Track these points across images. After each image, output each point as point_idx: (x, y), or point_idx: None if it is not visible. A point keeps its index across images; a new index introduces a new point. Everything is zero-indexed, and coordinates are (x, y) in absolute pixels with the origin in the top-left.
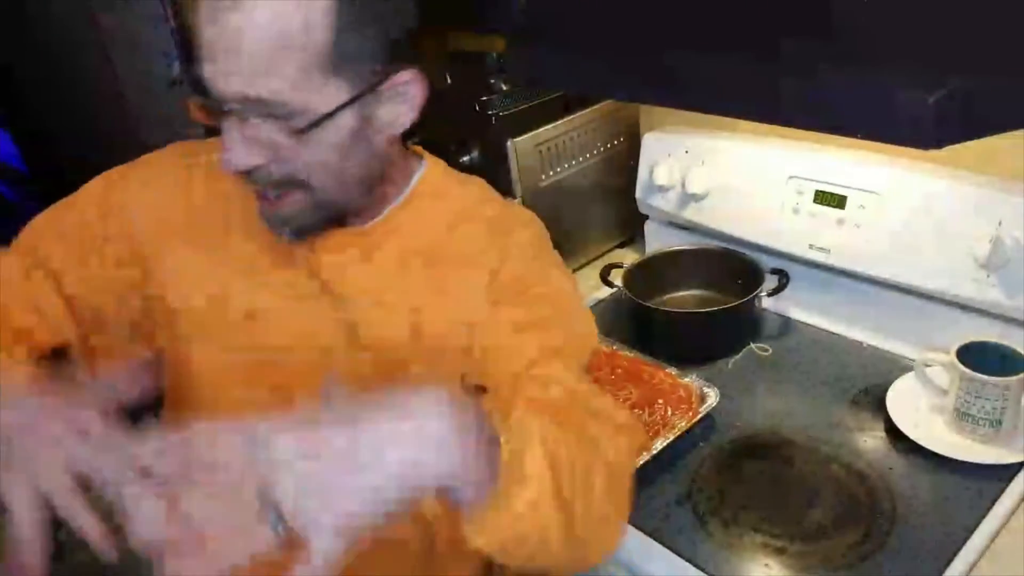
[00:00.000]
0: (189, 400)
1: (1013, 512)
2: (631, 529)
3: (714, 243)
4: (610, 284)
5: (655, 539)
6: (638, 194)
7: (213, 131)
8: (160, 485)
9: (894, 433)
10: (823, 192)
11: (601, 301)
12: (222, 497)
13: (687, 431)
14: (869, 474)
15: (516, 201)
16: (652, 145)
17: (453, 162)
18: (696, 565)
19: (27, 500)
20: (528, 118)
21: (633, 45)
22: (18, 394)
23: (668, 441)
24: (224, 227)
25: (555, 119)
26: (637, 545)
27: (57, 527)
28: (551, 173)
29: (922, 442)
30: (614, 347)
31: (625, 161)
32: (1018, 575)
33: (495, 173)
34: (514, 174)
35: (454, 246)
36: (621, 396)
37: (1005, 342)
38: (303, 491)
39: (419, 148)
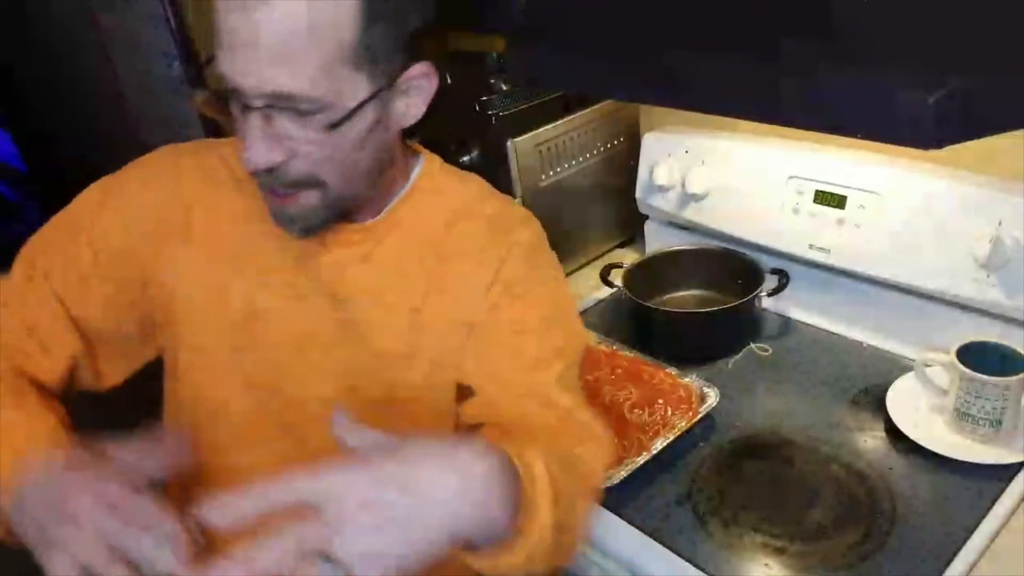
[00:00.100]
0: (189, 401)
1: (1013, 512)
2: (631, 529)
3: (714, 243)
4: (610, 284)
5: (655, 539)
6: (638, 194)
7: (213, 131)
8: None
9: (894, 433)
10: (823, 192)
11: (601, 301)
12: (268, 547)
13: (687, 431)
14: (869, 474)
15: (517, 201)
16: (652, 145)
17: (453, 162)
18: (696, 565)
19: (69, 573)
20: (528, 118)
21: (633, 45)
22: (46, 472)
23: (668, 441)
24: (222, 228)
25: (555, 119)
26: (637, 545)
27: None
28: (551, 173)
29: (922, 442)
30: (614, 347)
31: (625, 161)
32: (1018, 575)
33: (495, 173)
34: (514, 174)
35: (454, 244)
36: (621, 396)
37: (1005, 342)
38: (359, 542)
39: (417, 144)
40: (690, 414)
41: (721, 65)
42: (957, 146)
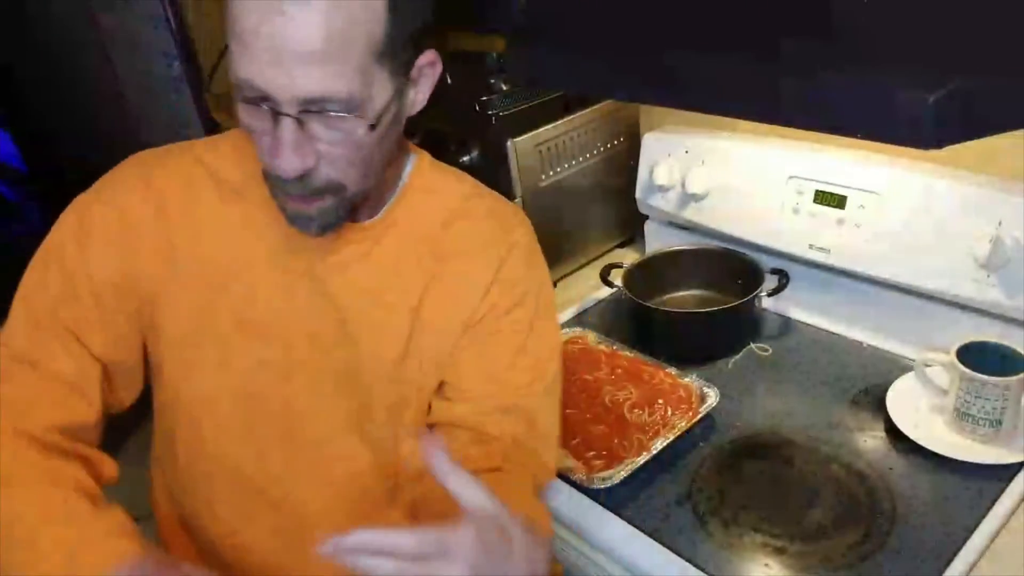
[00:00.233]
0: (183, 410)
1: (1013, 512)
2: (631, 529)
3: (714, 243)
4: (610, 284)
5: (655, 539)
6: (638, 194)
7: (213, 131)
8: None
9: (894, 433)
10: (823, 192)
11: (601, 301)
12: None
13: (687, 431)
14: (869, 474)
15: (517, 201)
16: (652, 145)
17: (453, 162)
18: (696, 565)
19: None
20: (528, 118)
21: (633, 45)
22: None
23: (668, 441)
24: (206, 244)
25: (555, 119)
26: (637, 545)
27: None
28: (551, 173)
29: (922, 442)
30: (614, 347)
31: (625, 161)
32: (1018, 575)
33: (495, 173)
34: (514, 174)
35: (453, 243)
36: (621, 396)
37: (1005, 342)
38: None
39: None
40: (690, 414)
41: (721, 65)
42: (957, 146)
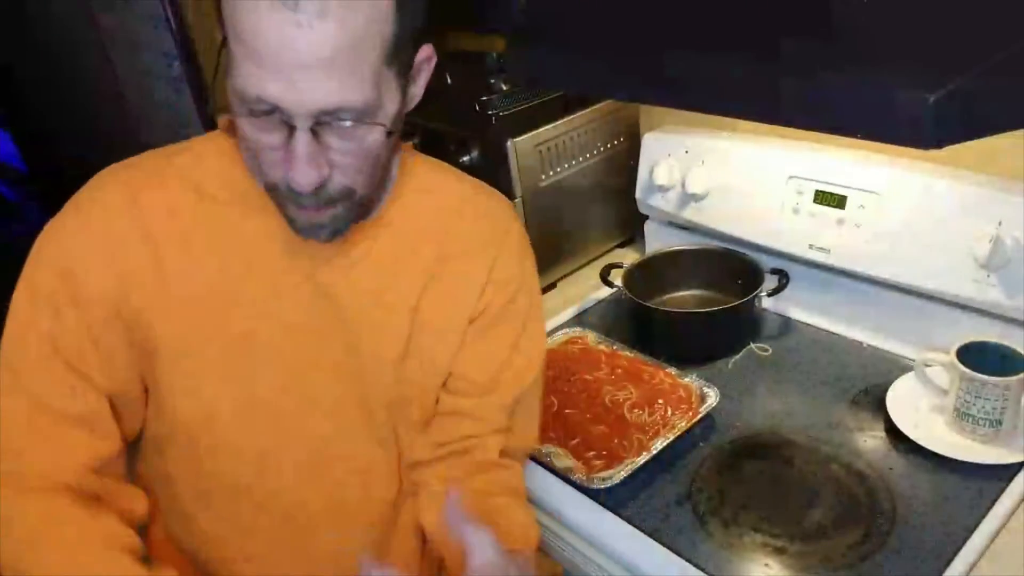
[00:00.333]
0: (180, 428)
1: (1013, 512)
2: (631, 529)
3: (714, 243)
4: (610, 284)
5: (655, 539)
6: (638, 194)
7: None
8: None
9: (894, 433)
10: (823, 192)
11: (601, 301)
12: None
13: (687, 431)
14: (869, 474)
15: (517, 201)
16: (652, 145)
17: (453, 162)
18: (696, 565)
19: None
20: (528, 118)
21: (633, 45)
22: None
23: (668, 441)
24: (199, 252)
25: (555, 119)
26: (637, 545)
27: None
28: (551, 173)
29: (922, 442)
30: (614, 347)
31: (625, 161)
32: (1018, 575)
33: (495, 173)
34: (514, 174)
35: (451, 244)
36: (621, 396)
37: (1005, 342)
38: None
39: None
40: (690, 414)
41: (721, 65)
42: (957, 146)
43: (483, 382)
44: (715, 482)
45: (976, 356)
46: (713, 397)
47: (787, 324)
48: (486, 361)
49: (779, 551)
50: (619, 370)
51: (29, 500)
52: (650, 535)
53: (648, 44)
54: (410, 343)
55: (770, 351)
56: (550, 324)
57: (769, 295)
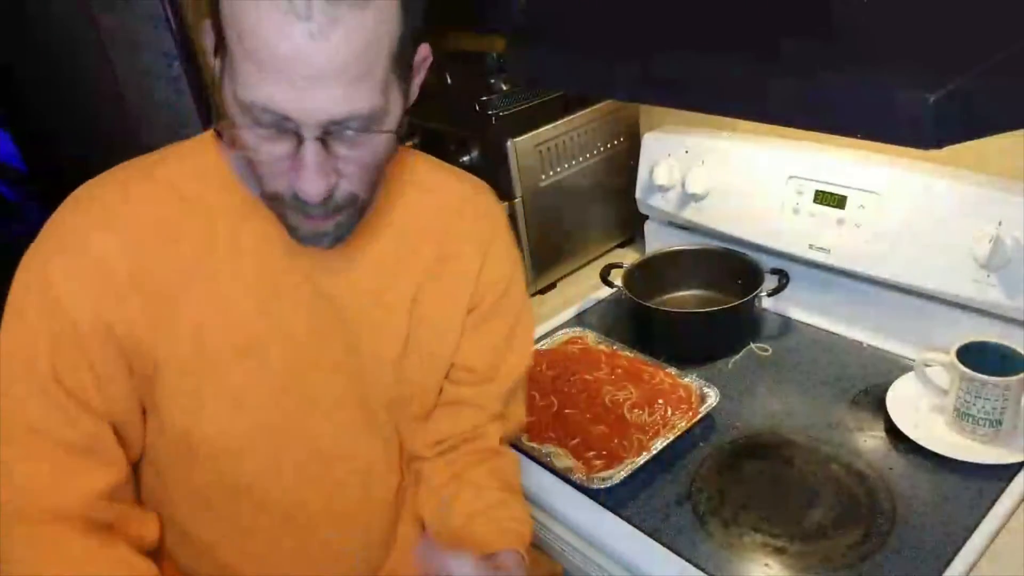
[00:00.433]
0: (182, 441)
1: (1013, 512)
2: (631, 529)
3: (714, 243)
4: (610, 284)
5: (655, 539)
6: (638, 194)
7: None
8: None
9: (894, 433)
10: (823, 192)
11: (601, 301)
12: None
13: (687, 431)
14: (869, 474)
15: (517, 201)
16: (652, 145)
17: (453, 162)
18: (696, 565)
19: None
20: (528, 118)
21: (633, 45)
22: None
23: (668, 441)
24: (193, 265)
25: (555, 119)
26: (637, 545)
27: None
28: (551, 173)
29: (922, 442)
30: (614, 347)
31: (625, 161)
32: (1018, 575)
33: (495, 173)
34: (514, 174)
35: (451, 244)
36: (621, 396)
37: (1005, 342)
38: None
39: None
40: (690, 414)
41: (721, 65)
42: (957, 146)
43: (483, 370)
44: (715, 482)
45: (976, 356)
46: (713, 397)
47: (787, 324)
48: (485, 350)
49: (779, 551)
50: (619, 370)
51: (36, 533)
52: (650, 535)
53: (648, 44)
54: (410, 342)
55: (770, 351)
56: (550, 324)
57: (769, 295)
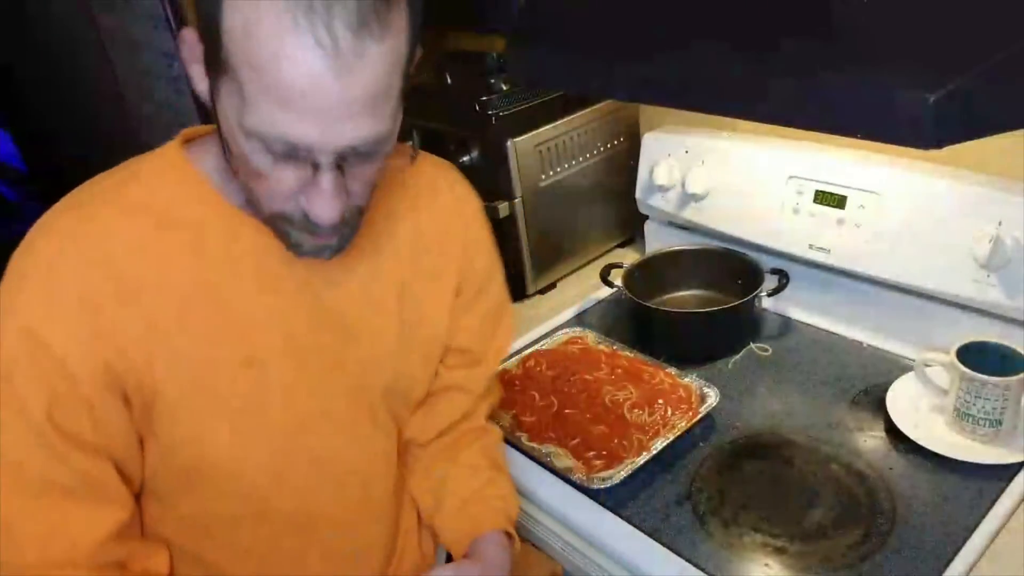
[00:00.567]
0: (186, 456)
1: (1013, 512)
2: (631, 529)
3: (714, 243)
4: (610, 284)
5: (655, 539)
6: (638, 194)
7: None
8: None
9: (894, 433)
10: (823, 192)
11: (601, 301)
12: None
13: (687, 431)
14: (869, 474)
15: (517, 201)
16: (652, 145)
17: (453, 162)
18: (696, 565)
19: None
20: (528, 118)
21: (633, 46)
22: None
23: (668, 441)
24: (183, 287)
25: (555, 119)
26: (637, 545)
27: None
28: (551, 173)
29: (922, 442)
30: (614, 347)
31: (625, 161)
32: (1018, 575)
33: (495, 173)
34: (514, 174)
35: (429, 232)
36: (621, 396)
37: (1005, 342)
38: None
39: None
40: (690, 414)
41: (721, 65)
42: (957, 146)
43: (475, 352)
44: (715, 482)
45: (976, 356)
46: (713, 397)
47: (787, 324)
48: (475, 333)
49: (779, 551)
50: (619, 370)
51: None
52: (650, 535)
53: (648, 44)
54: (404, 333)
55: (770, 351)
56: (550, 324)
57: (769, 295)
